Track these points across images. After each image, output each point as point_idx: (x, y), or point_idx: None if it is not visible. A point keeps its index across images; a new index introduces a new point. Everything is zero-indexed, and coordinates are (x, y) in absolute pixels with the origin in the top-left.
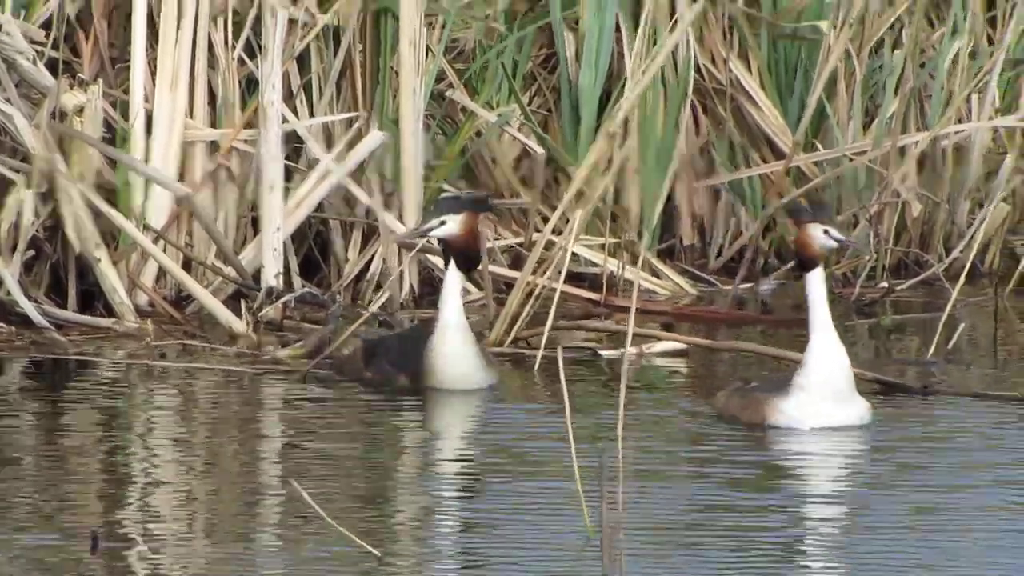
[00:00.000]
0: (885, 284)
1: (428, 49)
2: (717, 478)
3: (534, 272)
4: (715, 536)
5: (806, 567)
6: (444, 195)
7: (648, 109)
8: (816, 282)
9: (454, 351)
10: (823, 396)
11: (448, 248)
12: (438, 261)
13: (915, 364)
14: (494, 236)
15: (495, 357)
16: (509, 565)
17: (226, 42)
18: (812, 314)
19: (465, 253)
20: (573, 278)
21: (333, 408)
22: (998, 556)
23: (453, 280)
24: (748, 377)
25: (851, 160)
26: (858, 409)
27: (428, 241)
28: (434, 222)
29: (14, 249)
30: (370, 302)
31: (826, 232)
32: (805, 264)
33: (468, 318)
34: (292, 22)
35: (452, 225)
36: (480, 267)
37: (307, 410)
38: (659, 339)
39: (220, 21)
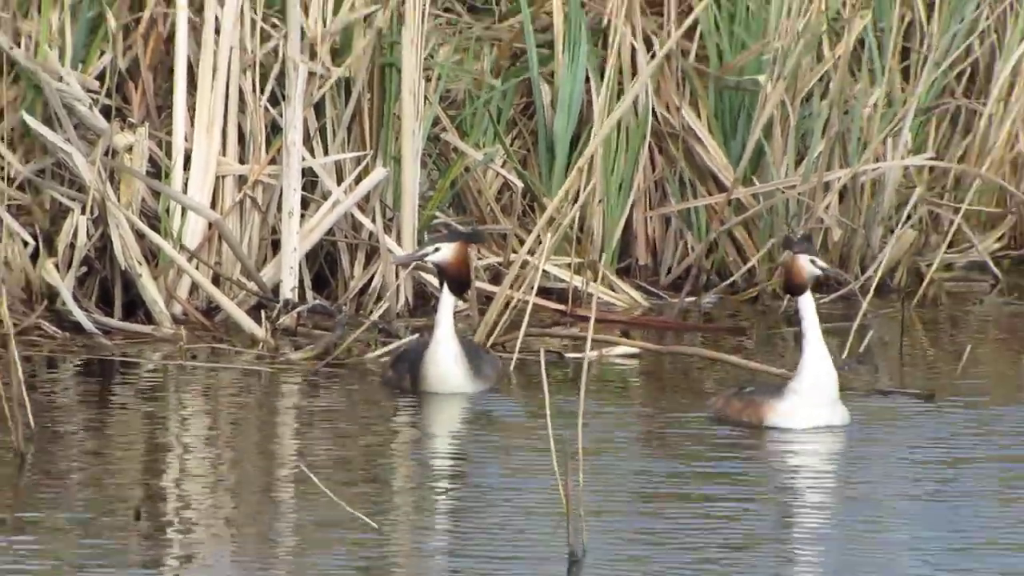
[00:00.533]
0: None
1: (425, 98)
2: (670, 456)
3: (511, 287)
4: (668, 505)
5: (749, 533)
6: (439, 224)
7: (611, 149)
8: (807, 304)
9: (445, 365)
10: (814, 400)
11: (442, 273)
12: (430, 278)
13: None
14: (477, 256)
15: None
16: (486, 532)
17: (254, 91)
18: (805, 330)
19: (457, 279)
20: (543, 292)
21: (336, 402)
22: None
23: (447, 303)
24: (743, 384)
25: (783, 192)
26: (841, 412)
27: (424, 263)
28: (429, 248)
29: (69, 266)
30: (371, 312)
31: (812, 262)
32: (793, 289)
33: (457, 325)
34: (311, 74)
35: (446, 252)
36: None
37: (314, 403)
38: (616, 344)
39: (249, 74)
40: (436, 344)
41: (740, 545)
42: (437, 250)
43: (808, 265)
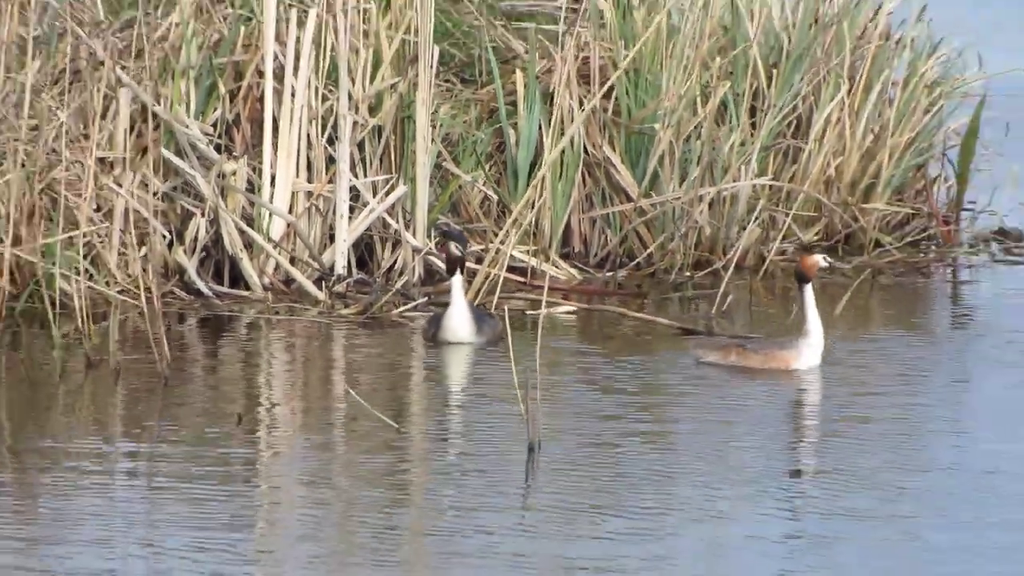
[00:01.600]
0: (688, 274)
1: (432, 139)
2: (602, 379)
3: (489, 266)
4: (605, 410)
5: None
6: (441, 223)
7: (556, 173)
8: (809, 290)
9: (458, 324)
10: (817, 350)
11: (448, 261)
12: (435, 260)
13: (703, 319)
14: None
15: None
16: (469, 428)
17: (318, 135)
18: (807, 306)
19: (450, 262)
20: (511, 269)
21: (373, 343)
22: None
23: (457, 282)
24: (739, 342)
25: (671, 202)
26: (823, 355)
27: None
28: (436, 241)
29: (193, 252)
30: (395, 283)
31: (823, 258)
32: (802, 279)
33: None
34: (355, 124)
35: (451, 249)
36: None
37: (358, 344)
38: (560, 304)
39: (313, 123)
40: (452, 309)
41: (654, 443)
42: (445, 246)
43: (820, 261)
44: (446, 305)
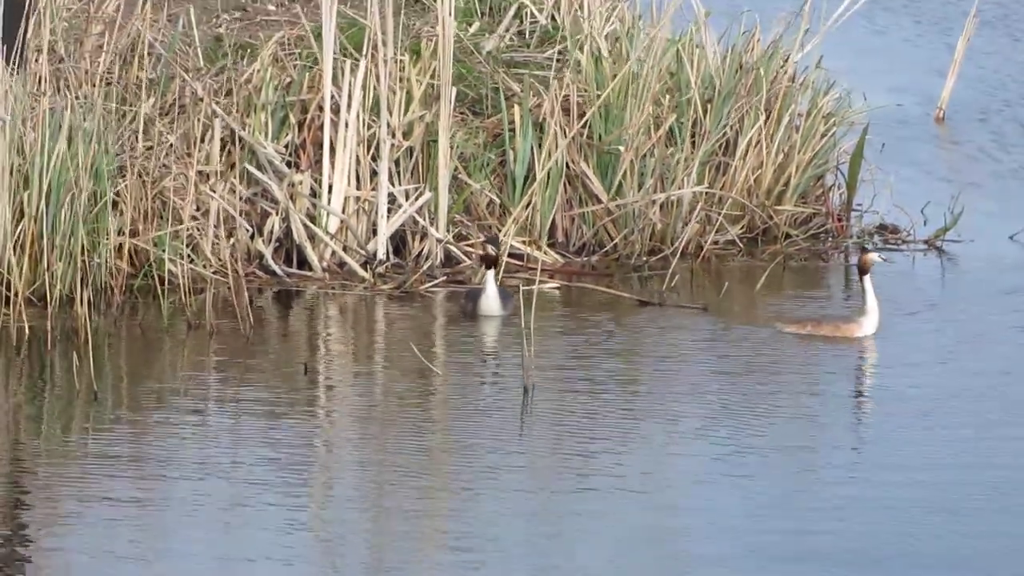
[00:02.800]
0: (645, 259)
1: (451, 157)
2: (587, 335)
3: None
4: (585, 362)
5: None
6: (484, 235)
7: (545, 183)
8: (868, 280)
9: (491, 300)
10: (873, 322)
11: (485, 260)
12: (453, 249)
13: (656, 293)
14: (476, 237)
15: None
16: (474, 372)
17: (364, 154)
18: (866, 292)
19: (487, 261)
20: (512, 255)
21: (407, 312)
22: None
23: (490, 274)
24: (815, 317)
25: (631, 205)
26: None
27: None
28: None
29: (270, 242)
30: (423, 266)
31: (879, 256)
32: (862, 271)
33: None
34: (392, 145)
35: (488, 249)
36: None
37: (395, 312)
38: (548, 281)
39: (362, 145)
40: (486, 292)
41: (622, 385)
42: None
43: (876, 258)
44: (479, 288)
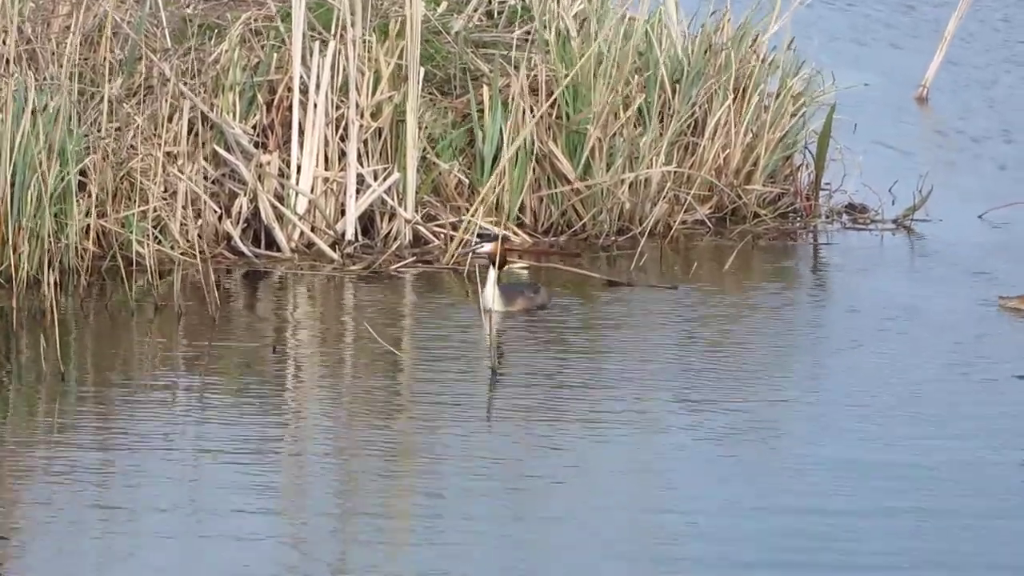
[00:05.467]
0: (613, 239)
1: (419, 137)
2: (555, 313)
3: (463, 233)
4: (552, 339)
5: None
6: (484, 231)
7: (514, 163)
8: None
9: (488, 299)
10: None
11: (488, 257)
12: (422, 230)
13: (624, 272)
14: (445, 218)
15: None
16: (446, 348)
17: (333, 135)
18: None
19: (494, 261)
20: (480, 236)
21: (374, 292)
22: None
23: (491, 273)
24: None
25: (600, 184)
26: None
27: (475, 252)
28: (477, 245)
29: (238, 223)
30: (390, 246)
31: None
32: None
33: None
34: (361, 126)
35: (488, 247)
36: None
37: (364, 292)
38: (518, 260)
39: (330, 126)
40: (484, 290)
41: (588, 360)
42: (482, 245)
43: None
44: (524, 284)
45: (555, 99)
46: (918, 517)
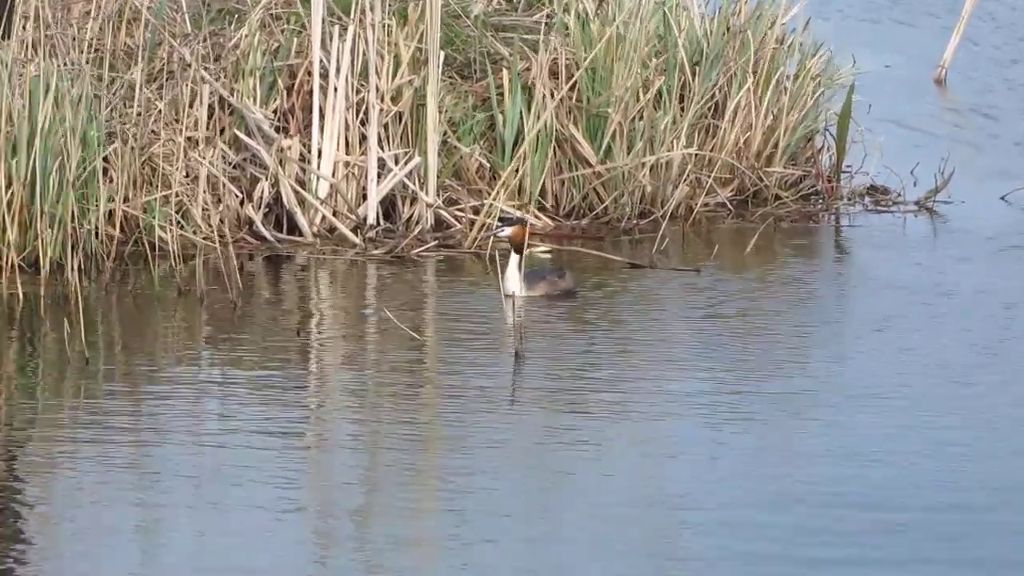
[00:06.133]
0: (634, 222)
1: (440, 121)
2: (579, 305)
3: (485, 216)
4: (576, 326)
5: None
6: (506, 215)
7: (535, 146)
8: None
9: (508, 283)
10: None
11: (509, 241)
12: (444, 214)
13: (646, 256)
14: (466, 201)
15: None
16: (471, 333)
17: (354, 119)
18: None
19: (516, 245)
20: (501, 219)
21: (397, 274)
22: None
23: (513, 257)
24: None
25: (621, 168)
26: None
27: (497, 236)
28: (497, 228)
29: (259, 207)
30: (412, 230)
31: None
32: None
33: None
34: (381, 110)
35: (508, 231)
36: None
37: (386, 275)
38: (539, 244)
39: (351, 110)
40: (507, 273)
41: (611, 343)
42: (503, 229)
43: None
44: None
45: (575, 82)
46: (956, 511)
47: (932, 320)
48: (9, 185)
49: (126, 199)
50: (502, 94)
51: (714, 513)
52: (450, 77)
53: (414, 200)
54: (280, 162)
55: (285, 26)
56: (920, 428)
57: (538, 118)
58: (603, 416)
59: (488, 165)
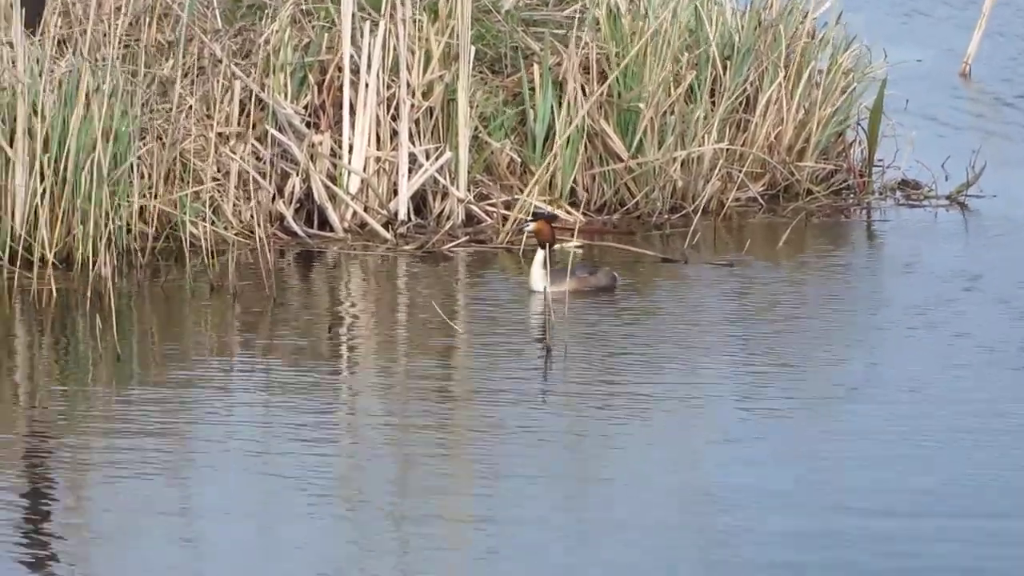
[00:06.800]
0: (666, 216)
1: (471, 116)
2: (609, 298)
3: (518, 212)
4: (608, 319)
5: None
6: (538, 210)
7: (567, 142)
8: None
9: (534, 278)
10: None
11: (535, 235)
12: (475, 209)
13: (677, 251)
14: (497, 196)
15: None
16: (504, 328)
17: (384, 114)
18: None
19: (542, 240)
20: (534, 216)
21: (429, 272)
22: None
23: (539, 252)
24: None
25: (652, 163)
26: None
27: (524, 229)
28: (525, 223)
29: (291, 203)
30: (444, 225)
31: None
32: None
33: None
34: (412, 105)
35: (532, 226)
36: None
37: (417, 271)
38: (570, 240)
39: (381, 106)
40: (533, 268)
41: (642, 336)
42: (528, 224)
43: None
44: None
45: (609, 81)
46: (995, 519)
47: (966, 312)
48: (42, 181)
49: (157, 195)
50: (533, 89)
51: (749, 506)
52: (481, 72)
53: (445, 195)
54: (311, 157)
55: (316, 21)
56: (967, 426)
57: (571, 116)
58: (634, 410)
59: (519, 160)
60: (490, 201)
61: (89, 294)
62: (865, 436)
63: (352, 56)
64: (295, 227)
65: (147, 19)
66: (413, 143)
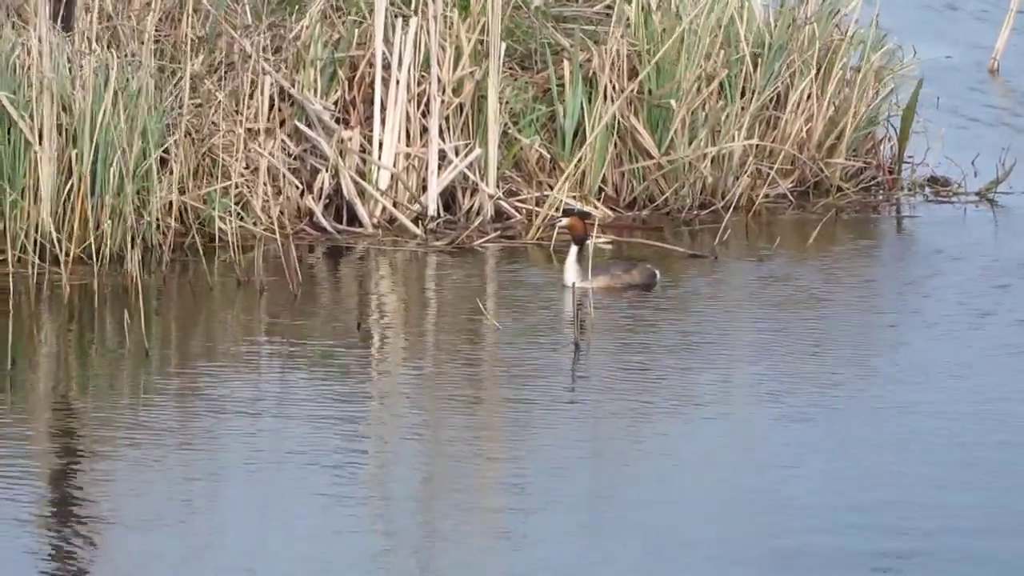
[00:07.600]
0: (695, 213)
1: (500, 112)
2: (639, 294)
3: (548, 208)
4: (638, 315)
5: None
6: (569, 207)
7: (597, 138)
8: None
9: (568, 273)
10: None
11: (568, 232)
12: (506, 205)
13: (707, 247)
14: (527, 192)
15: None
16: (534, 324)
17: (415, 110)
18: None
19: (575, 236)
20: (565, 213)
21: (458, 265)
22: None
23: (572, 248)
24: None
25: (683, 160)
26: None
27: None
28: (557, 219)
29: (320, 198)
30: (473, 222)
31: None
32: None
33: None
34: (442, 102)
35: (566, 221)
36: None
37: (446, 266)
38: (600, 236)
39: (412, 101)
40: (567, 264)
41: (673, 331)
42: (561, 220)
43: None
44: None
45: (641, 78)
46: None
47: (999, 309)
48: (70, 176)
49: (185, 191)
50: (563, 85)
51: (785, 509)
52: (511, 68)
53: (475, 191)
54: (340, 153)
55: (346, 17)
56: (1009, 420)
57: (601, 112)
58: (666, 408)
59: (548, 156)
60: (519, 197)
61: (117, 289)
62: (905, 436)
63: (383, 52)
64: (324, 223)
65: (177, 15)
66: (443, 139)
